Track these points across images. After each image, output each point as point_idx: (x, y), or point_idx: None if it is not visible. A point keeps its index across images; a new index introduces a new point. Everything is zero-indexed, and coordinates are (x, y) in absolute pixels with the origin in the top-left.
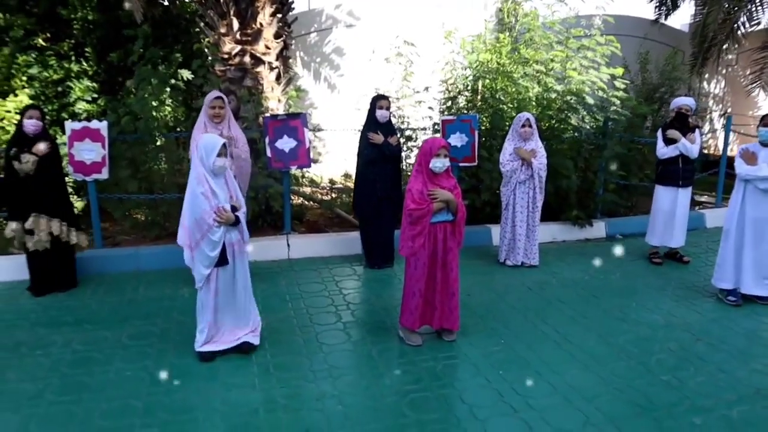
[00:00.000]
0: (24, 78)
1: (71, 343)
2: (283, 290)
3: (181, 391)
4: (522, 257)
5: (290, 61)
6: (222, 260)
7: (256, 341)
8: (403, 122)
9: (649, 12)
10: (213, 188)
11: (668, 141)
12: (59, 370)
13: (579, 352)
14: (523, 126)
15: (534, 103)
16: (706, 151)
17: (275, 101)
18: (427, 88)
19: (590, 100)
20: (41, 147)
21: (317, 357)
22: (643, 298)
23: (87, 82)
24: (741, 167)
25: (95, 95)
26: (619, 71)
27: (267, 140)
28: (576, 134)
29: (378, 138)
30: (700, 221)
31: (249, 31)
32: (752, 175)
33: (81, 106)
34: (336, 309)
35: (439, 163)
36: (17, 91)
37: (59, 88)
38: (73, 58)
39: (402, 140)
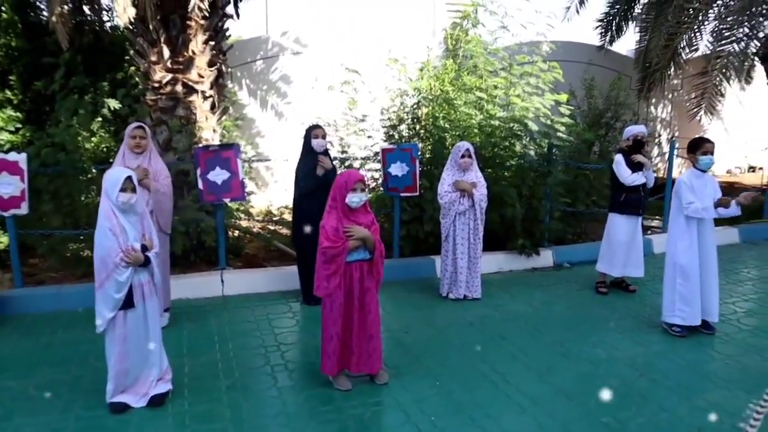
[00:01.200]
0: None
1: None
2: (213, 330)
3: None
4: (464, 290)
5: (227, 89)
6: (127, 303)
7: (164, 388)
8: (344, 152)
9: (594, 38)
10: (122, 224)
11: (634, 167)
12: None
13: (516, 394)
14: (463, 156)
15: (477, 131)
16: (655, 175)
17: (210, 131)
18: (364, 117)
19: (534, 127)
20: None
21: (238, 405)
22: (587, 330)
23: (10, 112)
24: (695, 209)
25: (19, 125)
26: (564, 97)
27: (198, 172)
28: (521, 161)
29: (327, 162)
30: (648, 247)
31: (180, 59)
32: (703, 214)
33: (3, 137)
34: (265, 350)
35: (356, 198)
36: None
37: None
38: None
39: (342, 170)
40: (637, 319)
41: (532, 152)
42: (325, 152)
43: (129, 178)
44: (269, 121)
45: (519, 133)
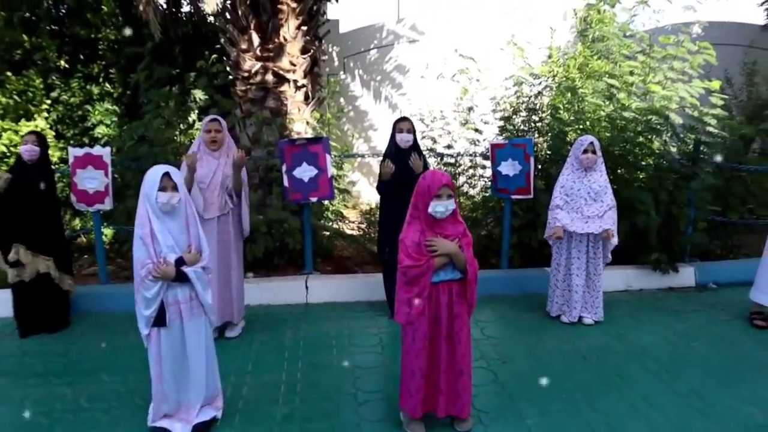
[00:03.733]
0: (48, 102)
1: (25, 401)
2: (285, 343)
3: None
4: (581, 311)
5: (335, 80)
6: (158, 320)
7: (209, 415)
8: (449, 147)
9: (757, 17)
10: (155, 232)
11: None
12: None
13: None
14: (585, 152)
15: (606, 124)
16: None
17: (302, 123)
18: (472, 107)
19: (678, 120)
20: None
21: None
22: (735, 378)
23: (107, 105)
24: None
25: (116, 118)
26: (716, 84)
27: (284, 168)
28: (660, 161)
29: (388, 169)
30: None
31: (271, 46)
32: None
33: (101, 131)
34: (337, 373)
35: (441, 208)
36: (35, 115)
37: (80, 112)
38: (101, 80)
39: (440, 168)
40: None
41: (674, 150)
42: (413, 148)
43: (167, 174)
44: (383, 114)
45: (658, 127)
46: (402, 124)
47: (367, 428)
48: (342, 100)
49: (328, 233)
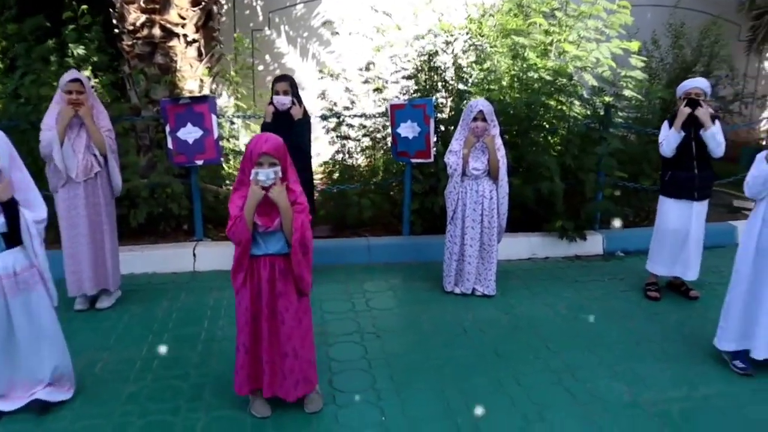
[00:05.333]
0: None
1: None
2: (158, 315)
3: None
4: (474, 283)
5: (262, 35)
6: None
7: (54, 397)
8: (346, 108)
9: None
10: None
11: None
12: None
13: None
14: (475, 119)
15: (515, 85)
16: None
17: (195, 81)
18: (369, 66)
19: (593, 82)
20: None
21: (127, 425)
22: (615, 354)
23: None
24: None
25: None
26: (635, 45)
27: (167, 129)
28: (569, 124)
29: (269, 109)
30: (730, 236)
31: None
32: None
33: None
34: (202, 347)
35: (262, 176)
36: None
37: None
38: None
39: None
40: (691, 341)
41: (588, 112)
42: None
43: None
44: (310, 71)
45: (564, 88)
46: (278, 85)
47: (211, 408)
48: (267, 56)
49: (220, 198)
